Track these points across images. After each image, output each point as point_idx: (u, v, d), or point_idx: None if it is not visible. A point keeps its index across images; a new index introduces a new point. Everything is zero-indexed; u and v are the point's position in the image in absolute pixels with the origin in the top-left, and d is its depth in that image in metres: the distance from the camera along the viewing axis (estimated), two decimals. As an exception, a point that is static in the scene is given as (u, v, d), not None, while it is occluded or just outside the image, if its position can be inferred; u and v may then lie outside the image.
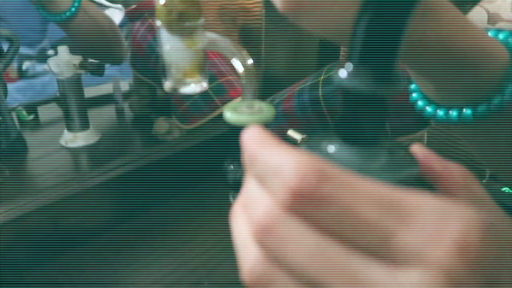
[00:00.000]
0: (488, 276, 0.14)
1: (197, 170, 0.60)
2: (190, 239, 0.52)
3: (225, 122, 0.70)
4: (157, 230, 0.54)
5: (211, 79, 0.67)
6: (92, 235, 0.53)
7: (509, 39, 0.28)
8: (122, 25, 2.73)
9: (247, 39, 0.80)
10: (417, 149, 0.22)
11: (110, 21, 0.91)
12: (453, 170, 0.21)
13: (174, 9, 0.24)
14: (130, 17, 0.74)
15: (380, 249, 0.14)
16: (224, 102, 0.68)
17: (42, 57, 2.44)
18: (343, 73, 0.18)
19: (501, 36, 0.29)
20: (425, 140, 0.55)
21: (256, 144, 0.18)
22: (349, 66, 0.18)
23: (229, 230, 0.20)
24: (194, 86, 0.28)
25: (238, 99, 0.68)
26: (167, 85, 0.27)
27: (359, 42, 0.18)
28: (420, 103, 0.33)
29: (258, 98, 0.28)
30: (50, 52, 2.54)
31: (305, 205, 0.15)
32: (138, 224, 0.55)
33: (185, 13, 0.24)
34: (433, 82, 0.30)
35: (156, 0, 0.25)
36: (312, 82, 0.54)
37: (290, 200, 0.15)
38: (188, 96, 0.69)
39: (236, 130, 0.25)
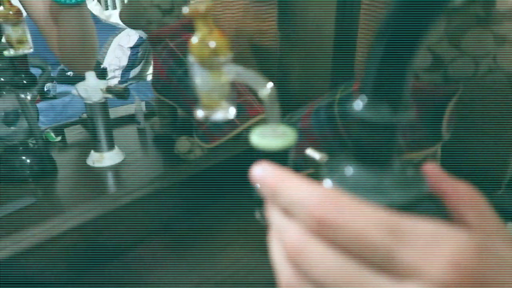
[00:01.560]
0: None
1: (219, 187, 0.63)
2: (216, 255, 0.54)
3: (245, 140, 0.72)
4: (183, 247, 0.56)
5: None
6: (121, 253, 0.55)
7: None
8: (138, 45, 2.77)
9: (263, 60, 0.83)
10: (429, 168, 0.24)
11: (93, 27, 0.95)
12: (461, 191, 0.23)
13: (206, 46, 0.27)
14: (152, 41, 0.78)
15: (386, 265, 0.18)
16: (243, 121, 0.71)
17: (62, 79, 2.51)
18: (358, 105, 0.21)
19: None
20: (439, 155, 0.56)
21: (275, 179, 0.21)
22: (364, 98, 0.21)
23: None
24: (223, 113, 0.31)
25: (257, 118, 0.71)
26: (199, 113, 0.30)
27: (372, 77, 0.20)
28: None
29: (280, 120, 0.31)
30: (69, 73, 2.61)
31: (327, 230, 0.19)
32: (164, 241, 0.57)
33: (216, 50, 0.27)
34: None
35: (181, 28, 0.28)
36: (328, 101, 0.56)
37: (316, 226, 0.19)
38: (208, 116, 0.72)
39: (257, 155, 0.28)
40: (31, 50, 0.62)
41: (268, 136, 0.28)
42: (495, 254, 0.17)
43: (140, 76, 2.51)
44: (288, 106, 0.68)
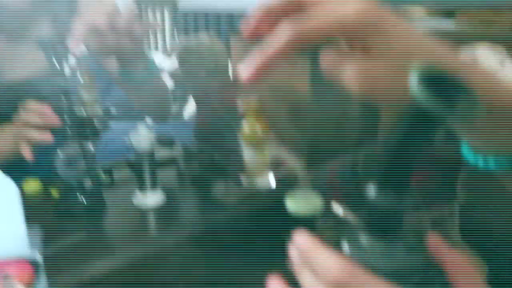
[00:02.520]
0: None
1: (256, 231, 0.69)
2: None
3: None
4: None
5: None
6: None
7: None
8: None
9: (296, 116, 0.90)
10: (431, 238, 0.30)
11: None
12: (458, 259, 0.29)
13: (255, 134, 0.34)
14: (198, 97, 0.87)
15: None
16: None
17: (108, 117, 2.64)
18: (371, 192, 0.27)
19: None
20: (457, 214, 0.61)
21: (309, 246, 0.28)
22: (376, 186, 0.27)
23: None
24: (263, 180, 0.38)
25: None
26: (245, 180, 0.38)
27: (384, 165, 0.27)
28: (471, 158, 0.36)
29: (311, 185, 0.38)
30: (112, 110, 2.74)
31: None
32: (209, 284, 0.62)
33: (262, 138, 0.34)
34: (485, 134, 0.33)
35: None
36: (353, 159, 0.63)
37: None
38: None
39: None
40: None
41: (300, 203, 0.35)
42: None
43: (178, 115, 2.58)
44: (316, 160, 0.75)
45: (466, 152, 0.36)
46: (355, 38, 0.29)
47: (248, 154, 0.35)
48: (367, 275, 0.25)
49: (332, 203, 0.47)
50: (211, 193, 0.83)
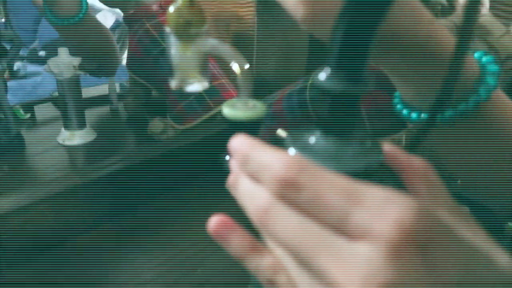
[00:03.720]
0: (424, 249, 0.18)
1: (191, 168, 0.64)
2: (186, 234, 0.55)
3: (218, 122, 0.73)
4: (152, 226, 0.57)
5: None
6: (87, 230, 0.55)
7: (482, 57, 0.33)
8: (114, 28, 2.73)
9: (240, 45, 0.83)
10: (387, 145, 0.26)
11: (108, 32, 0.94)
12: (415, 164, 0.25)
13: (182, 16, 0.27)
14: (128, 21, 0.77)
15: (342, 226, 0.19)
16: (217, 104, 0.71)
17: (33, 58, 2.43)
18: (322, 76, 0.22)
19: (476, 55, 0.34)
20: (403, 142, 0.59)
21: (247, 147, 0.22)
22: (327, 69, 0.22)
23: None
24: (197, 85, 0.31)
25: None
26: (173, 83, 0.31)
27: (335, 50, 0.22)
28: (398, 106, 0.37)
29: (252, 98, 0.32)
30: (41, 53, 2.53)
31: (289, 192, 0.20)
32: (133, 220, 0.57)
33: (191, 21, 0.27)
34: (406, 84, 0.35)
35: (158, 9, 0.28)
36: (301, 86, 0.58)
37: (279, 189, 0.20)
38: (183, 98, 0.73)
39: (228, 130, 0.29)
40: (2, 20, 0.61)
41: (239, 108, 0.29)
42: (437, 219, 0.19)
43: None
44: (263, 91, 0.69)
45: (398, 104, 0.37)
46: None
47: (175, 48, 0.28)
48: (319, 170, 0.20)
49: (278, 130, 0.40)
50: (147, 130, 0.76)
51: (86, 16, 0.77)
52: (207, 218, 0.25)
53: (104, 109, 0.94)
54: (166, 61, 0.30)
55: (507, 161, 0.35)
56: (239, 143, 0.23)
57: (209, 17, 0.86)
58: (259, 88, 0.75)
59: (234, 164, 0.24)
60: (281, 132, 0.45)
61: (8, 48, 0.67)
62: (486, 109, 0.33)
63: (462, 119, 0.33)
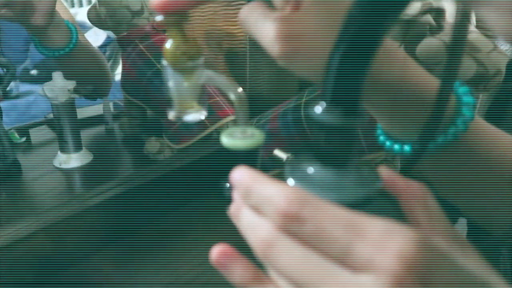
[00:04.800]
0: (425, 280, 0.19)
1: (189, 189, 0.64)
2: (186, 255, 0.55)
3: (214, 141, 0.73)
4: (152, 248, 0.57)
5: (200, 101, 0.71)
6: (87, 256, 0.55)
7: (458, 88, 0.34)
8: (105, 45, 2.73)
9: (233, 63, 0.84)
10: (384, 169, 0.27)
11: (100, 55, 0.95)
12: (414, 190, 0.26)
13: (178, 51, 0.28)
14: (121, 43, 0.77)
15: (345, 258, 0.20)
16: (212, 122, 0.72)
17: (25, 77, 2.43)
18: (318, 109, 0.23)
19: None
20: (399, 166, 0.59)
21: (249, 180, 0.23)
22: (323, 104, 0.23)
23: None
24: (195, 115, 0.32)
25: (226, 119, 0.72)
26: (172, 114, 0.31)
27: (330, 85, 0.22)
28: (381, 138, 0.38)
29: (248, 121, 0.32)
30: (33, 72, 2.53)
31: (292, 225, 0.21)
32: (132, 244, 0.57)
33: (187, 54, 0.28)
34: (390, 120, 0.36)
35: (151, 30, 0.29)
36: (295, 104, 0.59)
37: (282, 222, 0.21)
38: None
39: (227, 156, 0.29)
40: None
41: (237, 137, 0.30)
42: (438, 251, 0.20)
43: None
44: (257, 108, 0.70)
45: (381, 135, 0.38)
46: None
47: (173, 80, 0.28)
48: (321, 203, 0.21)
49: (275, 151, 0.41)
50: (143, 150, 0.76)
51: (77, 44, 0.78)
52: (207, 240, 0.26)
53: (99, 129, 0.94)
54: (160, 82, 0.31)
55: (496, 184, 0.36)
56: (240, 175, 0.24)
57: (202, 35, 0.87)
58: (253, 105, 0.76)
59: (236, 195, 0.25)
60: (278, 153, 0.46)
61: (2, 73, 0.67)
62: (466, 138, 0.34)
63: (444, 149, 0.34)
